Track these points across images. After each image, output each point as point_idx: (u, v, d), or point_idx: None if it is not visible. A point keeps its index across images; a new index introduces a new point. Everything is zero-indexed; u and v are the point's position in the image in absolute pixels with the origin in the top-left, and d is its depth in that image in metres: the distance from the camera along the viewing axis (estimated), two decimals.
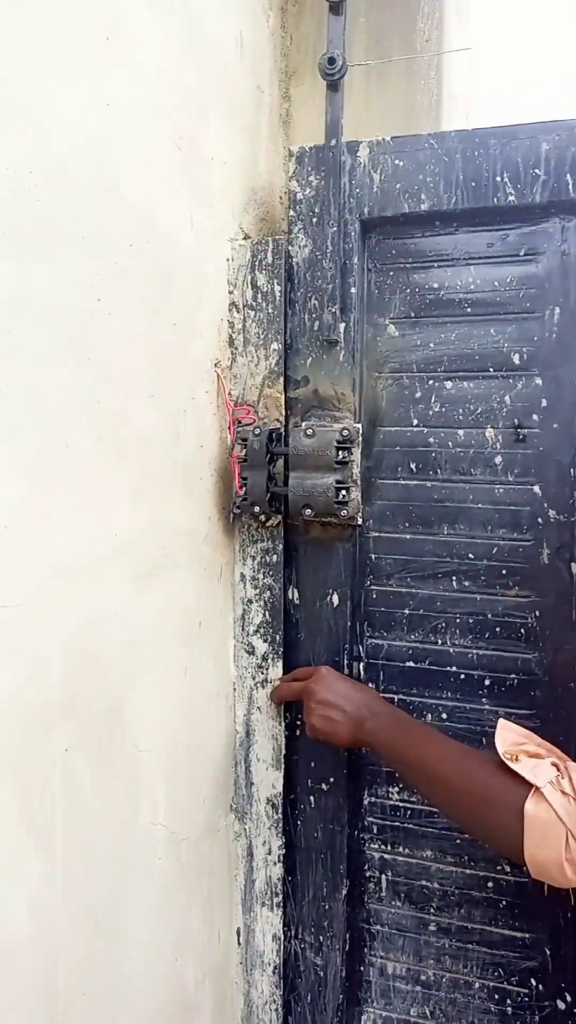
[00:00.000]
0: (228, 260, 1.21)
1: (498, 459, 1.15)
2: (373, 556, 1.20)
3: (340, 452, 1.13)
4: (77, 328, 0.84)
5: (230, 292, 1.21)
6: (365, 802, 1.21)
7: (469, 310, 1.16)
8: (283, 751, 1.21)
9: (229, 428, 1.20)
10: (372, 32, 1.35)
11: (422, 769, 0.98)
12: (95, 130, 0.86)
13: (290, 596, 1.22)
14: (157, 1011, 1.02)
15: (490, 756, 0.93)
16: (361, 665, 1.20)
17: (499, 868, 1.14)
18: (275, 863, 1.22)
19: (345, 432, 1.13)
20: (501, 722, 0.97)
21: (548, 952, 1.12)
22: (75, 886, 0.84)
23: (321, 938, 1.21)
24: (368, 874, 1.21)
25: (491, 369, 1.15)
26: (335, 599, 1.19)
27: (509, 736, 0.94)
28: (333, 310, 1.16)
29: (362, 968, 1.22)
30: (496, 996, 1.15)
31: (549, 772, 0.86)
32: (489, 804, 0.88)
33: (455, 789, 0.93)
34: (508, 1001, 1.14)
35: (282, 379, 1.19)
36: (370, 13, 1.29)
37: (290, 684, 1.15)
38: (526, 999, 1.13)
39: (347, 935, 1.20)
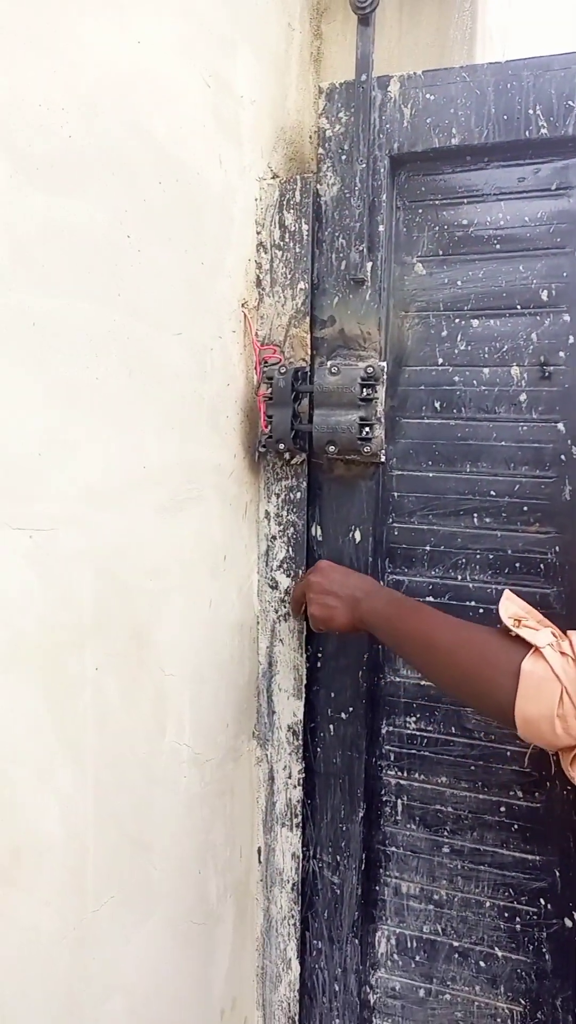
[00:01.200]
0: (256, 200, 1.21)
1: (523, 397, 1.16)
2: (396, 494, 1.22)
3: (364, 389, 1.14)
4: (107, 263, 0.86)
5: (258, 232, 1.22)
6: (383, 731, 1.25)
7: (498, 247, 1.16)
8: (304, 681, 1.25)
9: (256, 367, 1.21)
10: None
11: (419, 638, 0.99)
12: (124, 67, 0.87)
13: (313, 533, 1.25)
14: (181, 918, 1.09)
15: (487, 627, 0.95)
16: None
17: (512, 793, 1.18)
18: (295, 786, 1.27)
19: (369, 370, 1.14)
20: (507, 592, 0.97)
21: (558, 873, 1.16)
22: (104, 794, 0.89)
23: (338, 858, 1.27)
24: (384, 798, 1.26)
25: (519, 306, 1.15)
26: (357, 536, 1.21)
27: (512, 607, 0.95)
28: (360, 249, 1.16)
29: (377, 887, 1.28)
30: (506, 914, 1.20)
31: (549, 637, 0.87)
32: (487, 663, 0.89)
33: (452, 652, 0.94)
34: (517, 919, 1.19)
35: (308, 319, 1.20)
36: None
37: (298, 587, 1.17)
38: (535, 917, 1.18)
39: (363, 855, 1.26)
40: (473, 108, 1.11)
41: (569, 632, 0.88)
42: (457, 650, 0.94)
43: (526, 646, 0.87)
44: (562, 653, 0.84)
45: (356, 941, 1.27)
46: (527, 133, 1.10)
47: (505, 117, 1.10)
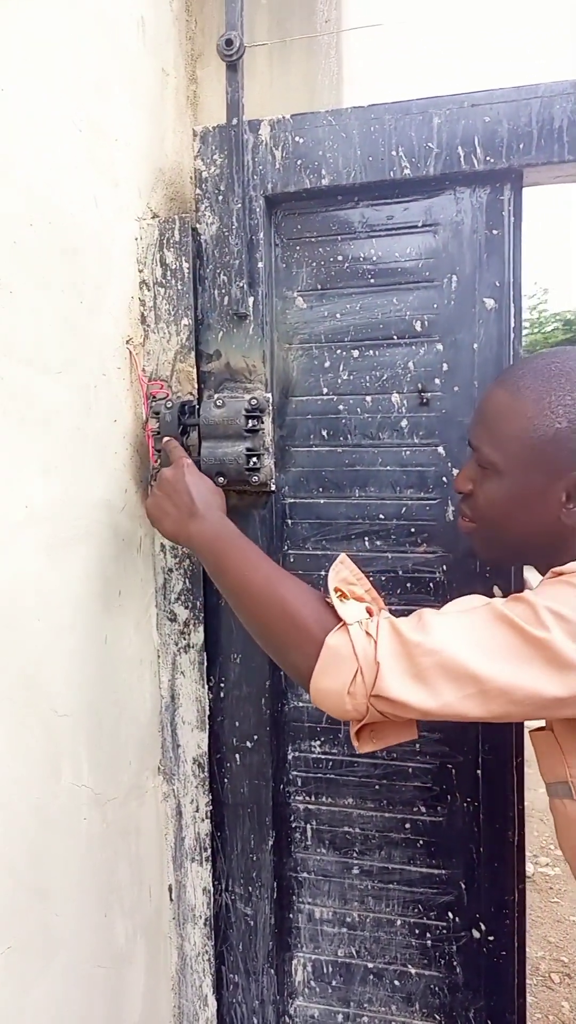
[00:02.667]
0: (136, 239, 1.23)
1: (404, 423, 1.20)
2: (289, 521, 1.25)
3: (250, 421, 1.17)
4: None
5: (140, 270, 1.24)
6: (289, 757, 1.26)
7: (372, 281, 1.21)
8: (207, 712, 1.25)
9: (144, 402, 1.23)
10: (274, 13, 1.38)
11: (236, 577, 0.96)
12: None
13: None
14: (86, 963, 1.07)
15: (308, 588, 0.94)
16: None
17: (416, 809, 1.20)
18: (203, 819, 1.26)
19: (254, 401, 1.17)
20: (342, 556, 0.98)
21: (463, 886, 1.19)
22: None
23: (250, 889, 1.27)
24: (294, 824, 1.26)
25: (395, 337, 1.20)
26: None
27: (343, 572, 0.96)
28: (241, 285, 1.20)
29: (291, 915, 1.28)
30: (416, 931, 1.21)
31: (361, 613, 0.88)
32: (295, 625, 0.89)
33: (265, 603, 0.92)
34: (428, 935, 1.21)
35: (194, 353, 1.23)
36: None
37: (161, 474, 1.12)
38: (444, 931, 1.20)
39: (275, 884, 1.26)
40: (340, 150, 1.17)
41: (384, 614, 0.89)
42: (270, 601, 0.92)
43: (339, 618, 0.88)
44: (367, 633, 0.84)
45: (272, 971, 1.27)
46: (392, 173, 1.16)
47: (370, 158, 1.16)
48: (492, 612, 0.81)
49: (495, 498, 0.92)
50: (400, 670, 0.80)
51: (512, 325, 1.16)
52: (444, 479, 1.18)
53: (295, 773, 1.26)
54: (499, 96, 1.12)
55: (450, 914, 1.20)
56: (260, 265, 1.21)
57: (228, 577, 0.98)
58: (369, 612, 0.90)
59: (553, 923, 3.03)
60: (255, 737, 1.25)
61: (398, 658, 0.81)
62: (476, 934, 1.19)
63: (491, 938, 1.18)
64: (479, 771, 1.18)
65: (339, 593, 0.91)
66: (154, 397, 1.22)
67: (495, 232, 1.16)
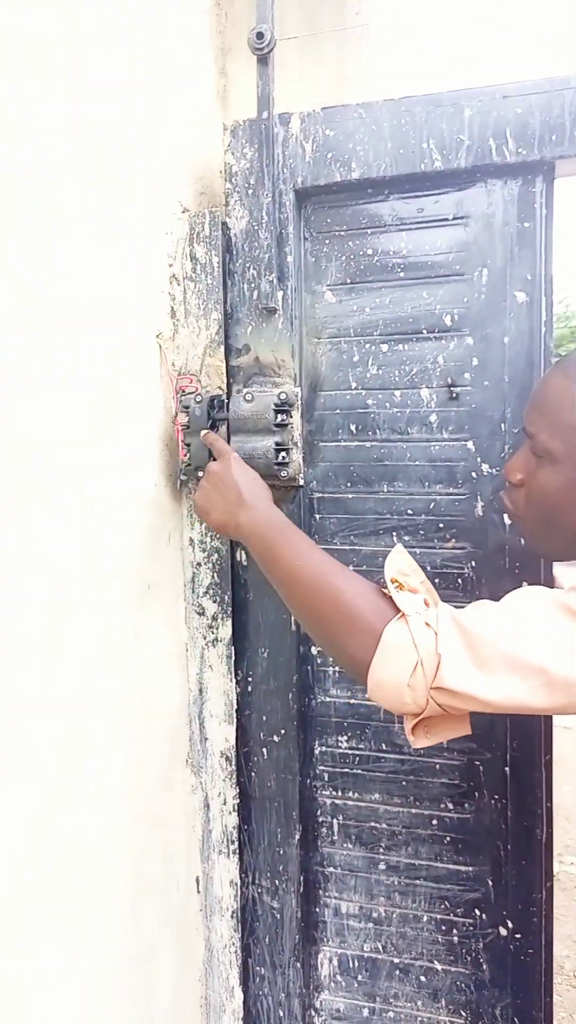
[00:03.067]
0: (167, 233, 1.23)
1: (433, 417, 1.20)
2: (317, 516, 1.25)
3: (279, 415, 1.17)
4: (15, 296, 0.87)
5: (170, 265, 1.24)
6: (316, 751, 1.26)
7: (402, 274, 1.20)
8: (235, 706, 1.26)
9: (173, 396, 1.23)
10: (304, 6, 1.37)
11: (291, 569, 0.94)
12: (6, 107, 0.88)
13: (238, 558, 1.26)
14: (116, 955, 1.08)
15: (361, 579, 0.92)
16: None
17: (443, 806, 1.20)
18: (231, 812, 1.27)
19: (283, 396, 1.17)
20: (398, 546, 0.96)
21: (490, 883, 1.18)
22: (23, 834, 0.88)
23: (277, 882, 1.27)
24: (320, 819, 1.27)
25: (424, 331, 1.20)
26: None
27: (399, 562, 0.93)
28: (271, 279, 1.20)
29: (317, 909, 1.28)
30: (443, 927, 1.21)
31: (419, 605, 0.86)
32: (352, 618, 0.87)
33: (321, 594, 0.90)
34: (454, 931, 1.20)
35: (223, 348, 1.23)
36: None
37: (207, 468, 1.12)
38: (471, 928, 1.20)
39: (302, 878, 1.26)
40: (371, 143, 1.16)
41: (442, 605, 0.88)
42: (323, 591, 0.90)
43: (395, 608, 0.86)
44: (427, 624, 0.83)
45: (298, 965, 1.27)
46: (423, 166, 1.15)
47: (401, 151, 1.15)
48: (554, 603, 0.80)
49: (550, 488, 0.89)
50: (463, 661, 0.79)
51: (543, 319, 1.15)
52: (473, 474, 1.18)
53: (322, 768, 1.26)
54: (531, 87, 1.10)
55: (477, 911, 1.19)
56: (289, 259, 1.21)
57: (279, 567, 0.96)
58: (425, 603, 0.88)
59: None
60: (282, 731, 1.25)
61: (460, 649, 0.80)
62: (503, 931, 1.18)
63: (518, 936, 1.18)
64: (507, 768, 1.17)
65: (395, 584, 0.89)
66: (183, 391, 1.23)
67: (526, 225, 1.14)
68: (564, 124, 1.09)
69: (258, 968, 1.30)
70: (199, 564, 1.26)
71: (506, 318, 1.16)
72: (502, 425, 1.16)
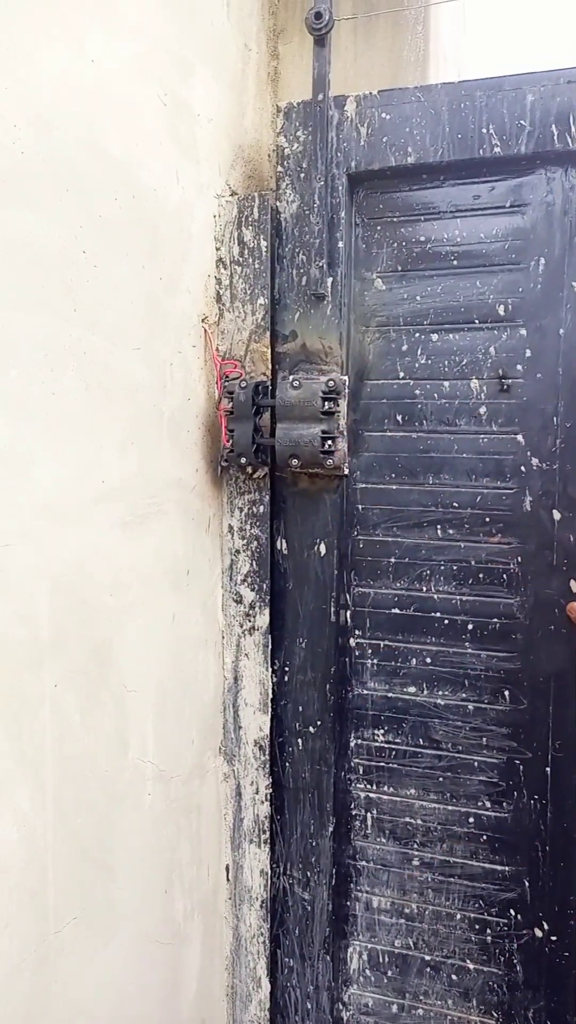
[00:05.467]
0: (215, 216, 1.22)
1: (483, 409, 1.17)
2: (360, 507, 1.23)
3: (326, 403, 1.15)
4: (63, 279, 0.86)
5: (217, 248, 1.22)
6: (351, 744, 1.25)
7: (455, 263, 1.18)
8: (270, 696, 1.25)
9: (216, 382, 1.22)
10: None
11: None
12: (78, 85, 0.87)
13: (278, 546, 1.25)
14: (147, 938, 1.07)
15: None
16: (348, 613, 1.23)
17: (480, 804, 1.18)
18: (263, 802, 1.26)
19: (331, 383, 1.15)
20: None
21: (527, 883, 1.16)
22: (64, 813, 0.88)
23: (308, 874, 1.26)
24: (354, 812, 1.25)
25: (476, 321, 1.17)
26: (322, 548, 1.22)
27: None
28: (320, 265, 1.18)
29: (348, 903, 1.27)
30: (476, 926, 1.19)
31: None
32: None
33: None
34: (488, 931, 1.19)
35: (269, 334, 1.21)
36: None
37: None
38: (505, 928, 1.18)
39: (334, 871, 1.25)
40: (428, 127, 1.13)
41: None
42: None
43: None
44: None
45: (328, 958, 1.26)
46: (481, 151, 1.12)
47: (459, 136, 1.13)
48: None
49: None
50: None
51: None
52: (522, 468, 1.15)
53: (357, 761, 1.25)
54: None
55: (512, 911, 1.18)
56: (340, 245, 1.19)
57: None
58: None
59: None
60: (318, 723, 1.24)
61: None
62: (539, 933, 1.16)
63: (554, 938, 1.16)
64: (548, 768, 1.15)
65: None
66: (227, 377, 1.21)
67: None
68: None
69: (287, 959, 1.29)
70: (238, 552, 1.25)
71: (562, 309, 1.13)
72: (554, 419, 1.13)
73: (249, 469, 1.20)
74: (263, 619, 1.24)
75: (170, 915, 1.13)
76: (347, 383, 1.18)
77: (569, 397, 1.13)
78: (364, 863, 1.25)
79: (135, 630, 1.02)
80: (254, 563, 1.24)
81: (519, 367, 1.15)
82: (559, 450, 1.14)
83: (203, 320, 1.19)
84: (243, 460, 1.18)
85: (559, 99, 1.09)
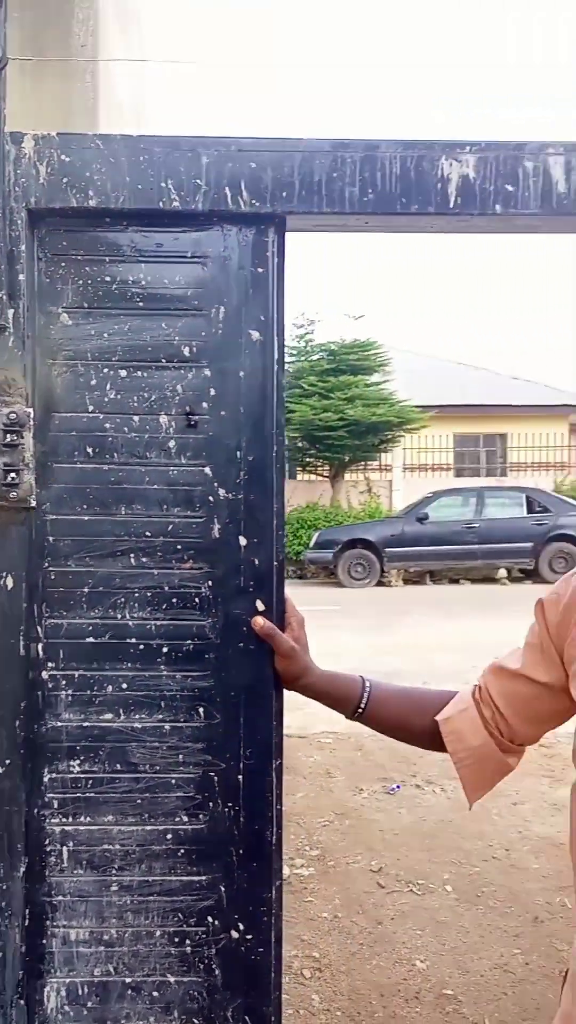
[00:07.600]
0: None
1: (172, 443, 1.24)
2: (51, 538, 1.23)
3: (8, 435, 1.14)
4: None
5: None
6: (45, 779, 1.23)
7: (141, 304, 1.24)
8: None
9: None
10: (27, 29, 1.37)
11: None
12: None
13: None
14: None
15: None
16: (40, 646, 1.22)
17: (178, 819, 1.23)
18: None
19: (12, 416, 1.15)
20: None
21: (223, 889, 1.23)
22: None
23: None
24: (48, 848, 1.23)
25: (163, 360, 1.24)
26: (10, 582, 1.20)
27: None
28: (0, 296, 1.17)
29: (44, 941, 1.24)
30: (176, 939, 1.23)
31: None
32: None
33: None
34: (187, 941, 1.24)
35: None
36: (24, 10, 1.31)
37: None
38: (204, 936, 1.23)
39: (26, 911, 1.21)
40: (108, 175, 1.19)
41: None
42: None
43: None
44: None
45: (22, 1002, 1.22)
46: (161, 203, 1.20)
47: (140, 187, 1.19)
48: None
49: None
50: None
51: (276, 357, 1.25)
52: (211, 498, 1.24)
53: (51, 795, 1.23)
54: (264, 144, 1.20)
55: (210, 918, 1.24)
56: (21, 278, 1.19)
57: None
58: None
59: (306, 921, 3.19)
60: (7, 761, 1.20)
61: None
62: (235, 935, 1.24)
63: (249, 936, 1.24)
64: (240, 776, 1.23)
65: None
66: None
67: (260, 270, 1.24)
68: (293, 183, 1.20)
69: None
70: None
71: (242, 354, 1.24)
72: (238, 452, 1.24)
73: None
74: None
75: None
76: (32, 415, 1.19)
77: (250, 433, 1.24)
78: (60, 898, 1.24)
79: None
80: None
81: (205, 404, 1.24)
82: (243, 481, 1.24)
83: None
84: None
85: (231, 164, 1.20)
